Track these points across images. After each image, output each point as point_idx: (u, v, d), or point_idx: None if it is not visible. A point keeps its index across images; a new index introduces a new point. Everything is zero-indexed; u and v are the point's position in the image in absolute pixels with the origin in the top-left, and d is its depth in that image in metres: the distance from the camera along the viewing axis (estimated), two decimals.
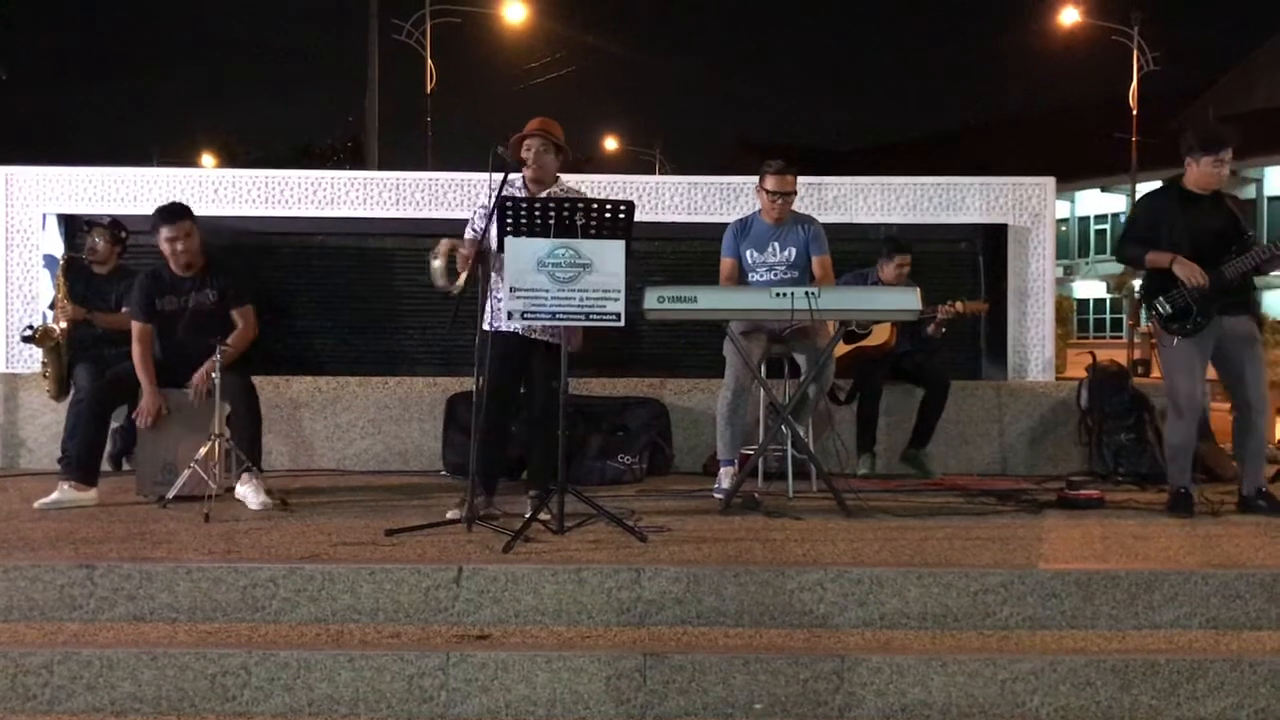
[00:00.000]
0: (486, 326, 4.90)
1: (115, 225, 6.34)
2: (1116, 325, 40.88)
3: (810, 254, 5.62)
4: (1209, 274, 5.07)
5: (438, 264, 4.84)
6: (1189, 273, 5.07)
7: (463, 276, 4.81)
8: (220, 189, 7.05)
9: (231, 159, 38.76)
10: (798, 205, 5.79)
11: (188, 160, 35.52)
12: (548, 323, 4.62)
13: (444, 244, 4.88)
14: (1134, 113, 27.67)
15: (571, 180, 5.37)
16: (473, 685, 3.59)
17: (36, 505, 5.08)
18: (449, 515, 4.74)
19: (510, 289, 4.44)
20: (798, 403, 5.47)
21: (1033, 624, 3.88)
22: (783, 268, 5.62)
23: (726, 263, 5.71)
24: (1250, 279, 5.24)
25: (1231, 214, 5.23)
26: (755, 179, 6.11)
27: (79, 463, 5.27)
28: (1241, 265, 5.10)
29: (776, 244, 5.63)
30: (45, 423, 6.51)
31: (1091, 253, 45.11)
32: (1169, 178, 5.42)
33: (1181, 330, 5.17)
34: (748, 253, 5.65)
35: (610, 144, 43.09)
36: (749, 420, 5.70)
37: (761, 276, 5.62)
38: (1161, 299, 5.20)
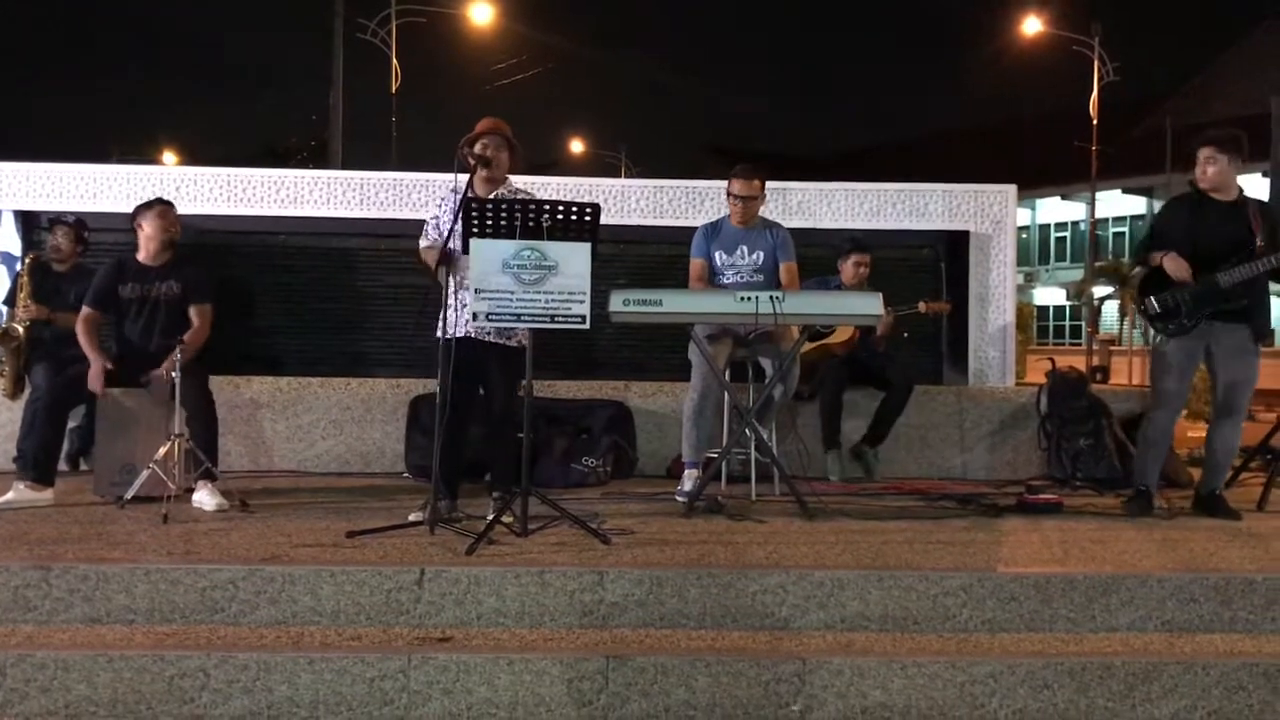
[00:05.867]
0: (440, 334, 4.88)
1: (79, 223, 6.28)
2: (1076, 332, 41.39)
3: (778, 259, 5.66)
4: (1205, 278, 5.09)
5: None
6: (1176, 267, 5.11)
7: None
8: (183, 187, 6.97)
9: (193, 158, 38.39)
10: (762, 210, 5.83)
11: (148, 158, 35.11)
12: (512, 325, 4.62)
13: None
14: (1094, 122, 28.01)
15: (521, 181, 5.37)
16: (434, 688, 3.58)
17: None
18: (411, 517, 4.72)
19: (475, 290, 4.44)
20: (761, 406, 5.49)
21: (992, 627, 3.92)
22: (750, 270, 5.66)
23: (696, 263, 5.74)
24: (1258, 291, 5.17)
25: (1246, 222, 5.14)
26: (722, 184, 6.15)
27: (35, 462, 5.20)
28: (1238, 274, 5.07)
29: (745, 247, 5.67)
30: (0, 422, 6.41)
31: (1052, 260, 45.69)
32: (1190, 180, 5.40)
33: (1166, 330, 5.23)
34: (717, 254, 5.70)
35: (576, 147, 43.12)
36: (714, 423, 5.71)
37: (729, 279, 5.66)
38: (1152, 298, 5.25)
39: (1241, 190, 5.28)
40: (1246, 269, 5.07)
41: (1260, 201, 5.39)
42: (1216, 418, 5.37)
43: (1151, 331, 5.44)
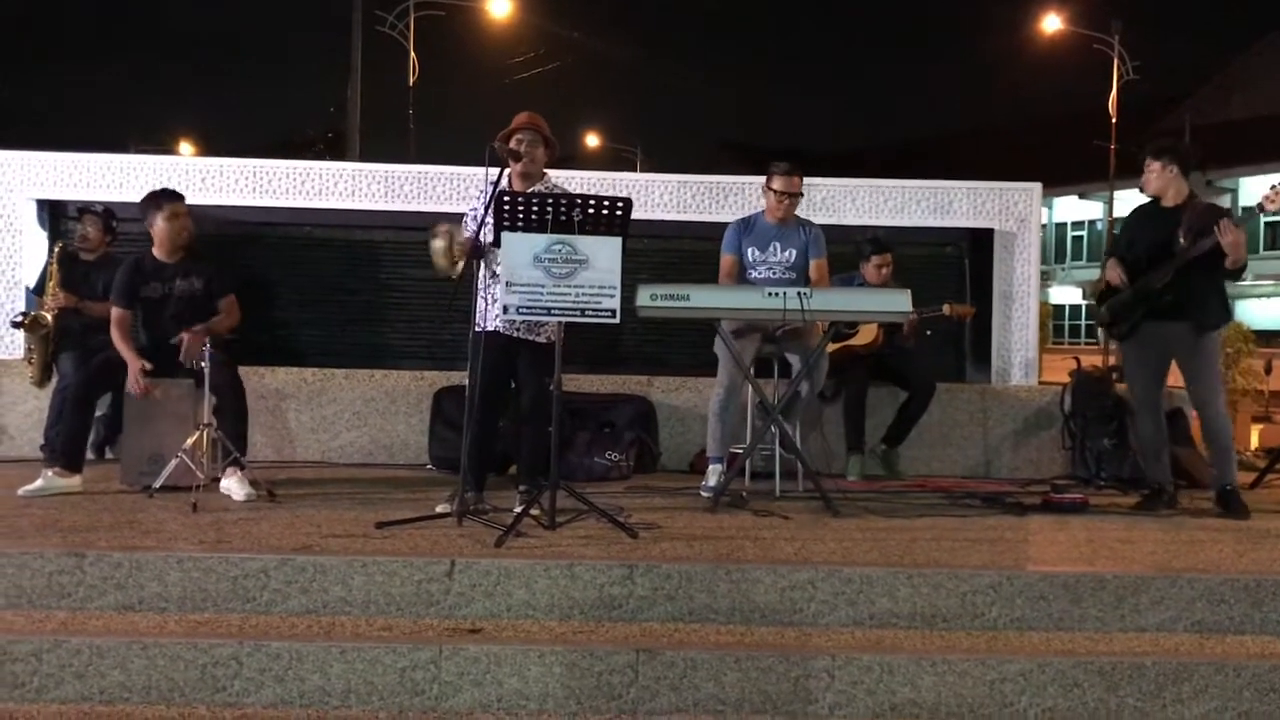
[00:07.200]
0: (478, 327, 4.90)
1: (107, 213, 6.32)
2: (1092, 331, 41.21)
3: (809, 257, 5.66)
4: (1139, 281, 5.34)
5: (439, 244, 4.87)
6: (1111, 274, 5.46)
7: (460, 265, 4.83)
8: (208, 177, 6.99)
9: (208, 148, 38.45)
10: None
11: (164, 149, 35.20)
12: (543, 319, 4.63)
13: (443, 226, 4.93)
14: (1113, 121, 27.89)
15: (557, 176, 5.38)
16: (465, 679, 3.60)
17: (21, 492, 5.04)
18: (438, 509, 4.74)
19: (506, 284, 4.44)
20: (788, 402, 5.49)
21: (1021, 625, 3.91)
22: (782, 267, 5.66)
23: (727, 259, 5.74)
24: (1194, 287, 5.23)
25: (1175, 225, 5.28)
26: (745, 179, 6.17)
27: (64, 450, 5.24)
28: (1159, 275, 5.26)
29: (778, 244, 5.67)
30: (27, 410, 6.45)
31: (1068, 259, 45.50)
32: None
33: (1111, 334, 5.66)
34: (749, 250, 5.69)
35: (591, 141, 43.08)
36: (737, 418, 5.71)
37: (760, 274, 5.67)
38: (1105, 306, 5.56)
39: (1190, 195, 5.45)
40: (1163, 269, 5.26)
41: (1207, 204, 5.59)
42: (1197, 413, 5.47)
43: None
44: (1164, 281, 5.25)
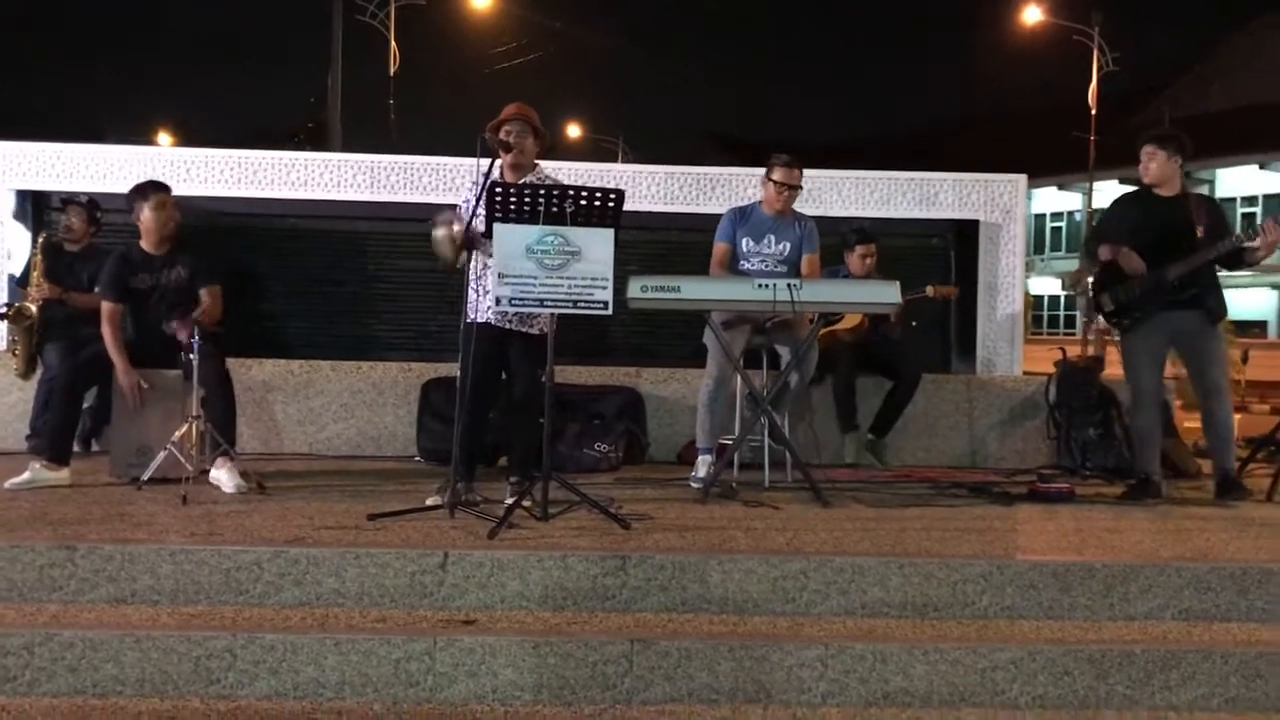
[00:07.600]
0: (469, 318, 4.90)
1: (92, 204, 6.27)
2: (1070, 322, 41.48)
3: (802, 251, 5.68)
4: (1154, 272, 5.29)
5: (440, 233, 4.85)
6: (1130, 263, 5.33)
7: (464, 254, 4.83)
8: (192, 168, 6.95)
9: (187, 139, 38.20)
10: None
11: (143, 140, 34.93)
12: (535, 310, 4.62)
13: (443, 215, 4.91)
14: (1093, 112, 28.02)
15: (548, 167, 5.37)
16: (459, 670, 3.60)
17: (7, 485, 5.00)
18: (429, 501, 4.73)
19: (499, 275, 4.44)
20: (778, 393, 5.51)
21: (1011, 614, 3.94)
22: (775, 260, 5.68)
23: (721, 247, 5.75)
24: (1206, 278, 5.33)
25: (1186, 215, 5.33)
26: (731, 171, 6.16)
27: (51, 442, 5.21)
28: (1182, 267, 5.27)
29: (773, 236, 5.68)
30: (11, 401, 6.40)
31: (1047, 250, 45.74)
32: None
33: (1120, 325, 5.52)
34: (744, 240, 5.70)
35: (573, 131, 42.97)
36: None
37: (754, 265, 5.68)
38: (1106, 295, 5.50)
39: (1184, 185, 5.50)
40: (1190, 261, 5.26)
41: (1202, 195, 5.66)
42: (1204, 401, 5.49)
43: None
44: (1181, 274, 5.27)
